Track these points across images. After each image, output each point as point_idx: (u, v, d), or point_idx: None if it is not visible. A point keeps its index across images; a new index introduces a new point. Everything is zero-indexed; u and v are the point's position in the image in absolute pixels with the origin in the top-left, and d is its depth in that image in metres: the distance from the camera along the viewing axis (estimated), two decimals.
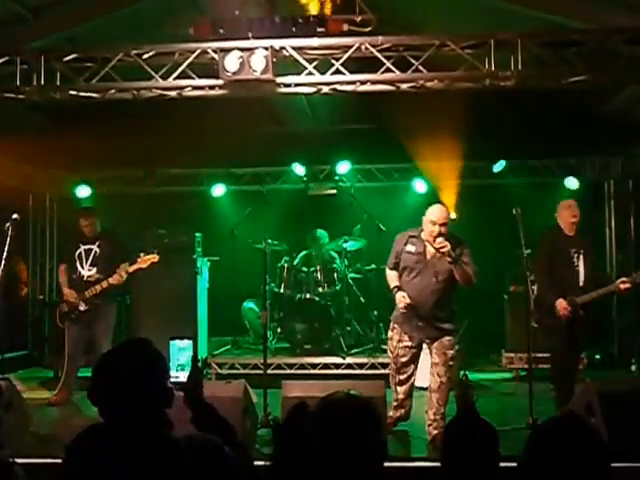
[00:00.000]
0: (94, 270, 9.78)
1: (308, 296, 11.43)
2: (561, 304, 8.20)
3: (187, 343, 3.24)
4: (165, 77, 8.11)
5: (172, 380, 3.38)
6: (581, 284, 8.45)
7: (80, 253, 9.83)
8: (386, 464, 5.82)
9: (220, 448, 3.01)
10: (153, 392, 3.02)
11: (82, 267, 9.80)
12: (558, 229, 8.67)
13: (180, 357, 3.20)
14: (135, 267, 9.71)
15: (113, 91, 8.38)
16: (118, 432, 2.92)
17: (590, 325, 8.66)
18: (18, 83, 8.20)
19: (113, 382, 2.99)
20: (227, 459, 2.99)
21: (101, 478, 2.82)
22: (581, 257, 8.49)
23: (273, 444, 3.30)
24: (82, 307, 9.65)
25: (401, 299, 7.62)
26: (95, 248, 9.85)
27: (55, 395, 9.67)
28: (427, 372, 10.39)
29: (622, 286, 8.21)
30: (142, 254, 9.85)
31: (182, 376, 3.52)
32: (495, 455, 3.38)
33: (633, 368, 11.59)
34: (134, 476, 2.80)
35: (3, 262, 8.16)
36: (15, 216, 8.54)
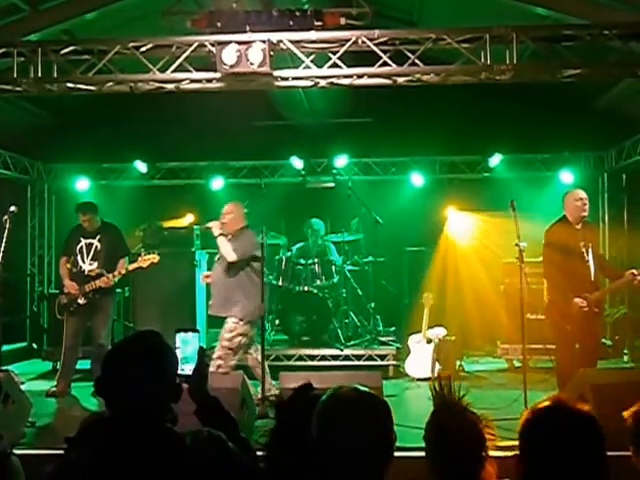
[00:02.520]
0: (95, 264, 9.82)
1: (306, 288, 11.48)
2: (577, 304, 8.12)
3: (193, 335, 3.28)
4: (163, 70, 8.12)
5: (178, 372, 3.39)
6: (592, 279, 8.38)
7: (81, 247, 9.86)
8: None
9: (224, 444, 3.02)
10: (161, 386, 3.02)
11: (83, 261, 9.83)
12: (566, 222, 8.52)
13: (186, 349, 3.23)
14: (135, 266, 9.78)
15: (110, 84, 8.39)
16: (123, 425, 2.91)
17: (599, 324, 8.70)
18: (15, 75, 8.20)
19: (121, 374, 2.98)
20: (231, 455, 3.01)
21: (103, 471, 2.80)
22: (590, 250, 8.38)
23: (275, 420, 3.26)
24: (81, 300, 9.70)
25: None
26: (96, 242, 9.88)
27: (54, 387, 9.72)
28: (423, 363, 10.52)
29: (637, 279, 8.16)
30: (143, 253, 9.92)
31: (187, 369, 3.50)
32: (480, 444, 3.38)
33: (625, 359, 11.65)
34: (137, 470, 2.79)
35: (1, 254, 8.20)
36: (13, 208, 8.56)
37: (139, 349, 3.09)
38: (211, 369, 8.33)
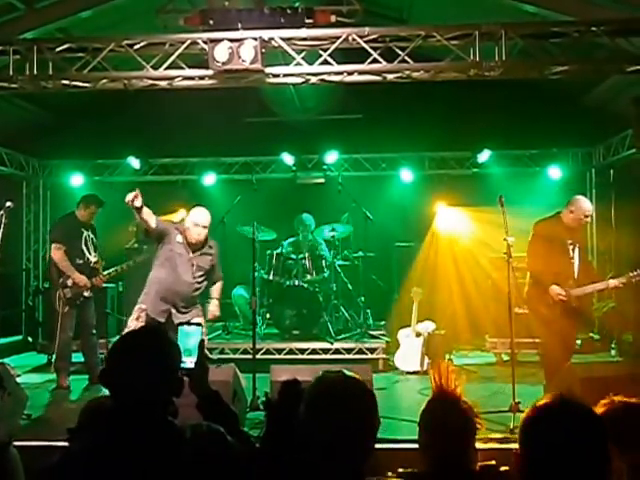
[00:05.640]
0: (97, 256, 9.96)
1: (296, 283, 11.58)
2: (554, 290, 8.23)
3: (195, 329, 3.33)
4: (156, 67, 8.17)
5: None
6: (575, 276, 8.49)
7: (85, 239, 9.93)
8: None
9: (224, 438, 3.06)
10: (164, 380, 3.06)
11: (89, 253, 9.93)
12: (558, 219, 8.61)
13: (188, 343, 3.29)
14: (142, 258, 10.03)
15: (105, 81, 8.42)
16: (125, 417, 2.95)
17: (583, 317, 8.82)
18: (11, 73, 8.23)
19: (126, 367, 3.02)
20: (230, 449, 3.05)
21: (104, 463, 2.84)
22: (576, 249, 8.52)
23: (266, 420, 3.22)
24: (87, 293, 9.81)
25: None
26: (92, 235, 9.99)
27: (60, 379, 9.81)
28: (412, 357, 10.63)
29: (612, 284, 8.39)
30: (147, 247, 10.17)
31: (189, 361, 3.54)
32: (471, 436, 3.46)
33: (613, 353, 11.77)
34: (138, 463, 2.83)
35: None
36: (9, 204, 8.57)
37: (144, 342, 3.15)
38: None
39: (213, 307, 8.60)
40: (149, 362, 3.05)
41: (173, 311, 8.28)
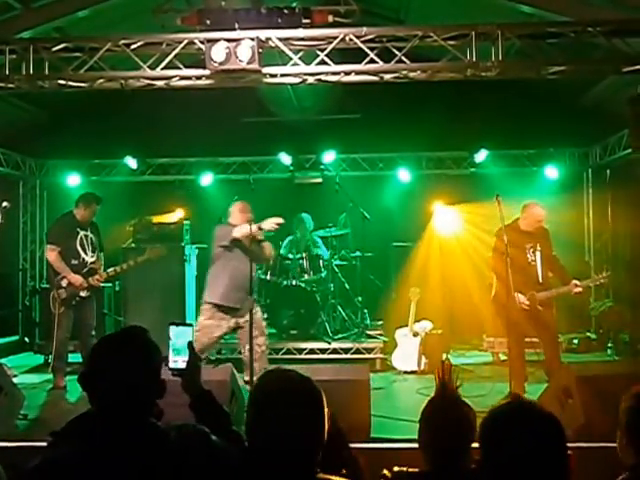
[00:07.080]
0: (95, 256, 9.94)
1: (294, 283, 11.61)
2: (517, 298, 8.48)
3: (186, 329, 3.36)
4: (153, 67, 8.15)
5: (170, 365, 3.50)
6: (539, 279, 8.76)
7: (81, 238, 9.89)
8: (369, 445, 5.87)
9: (209, 438, 3.04)
10: (145, 382, 3.04)
11: (85, 253, 9.89)
12: (515, 226, 8.87)
13: (178, 342, 3.31)
14: (144, 258, 9.99)
15: (101, 81, 8.40)
16: (107, 421, 2.93)
17: (550, 319, 8.90)
18: (7, 72, 8.22)
19: (106, 369, 3.01)
20: (216, 449, 3.03)
21: (88, 467, 2.81)
22: (537, 252, 8.75)
23: None
24: (84, 293, 9.78)
25: None
26: (90, 234, 9.97)
27: (57, 380, 9.79)
28: (410, 357, 10.63)
29: (575, 290, 8.69)
30: (148, 247, 10.15)
31: (180, 361, 3.55)
32: (471, 435, 3.47)
33: (609, 352, 11.79)
34: (121, 466, 2.81)
35: None
36: (5, 204, 8.57)
37: (124, 344, 3.13)
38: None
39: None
40: (130, 364, 3.03)
41: (242, 295, 8.74)
